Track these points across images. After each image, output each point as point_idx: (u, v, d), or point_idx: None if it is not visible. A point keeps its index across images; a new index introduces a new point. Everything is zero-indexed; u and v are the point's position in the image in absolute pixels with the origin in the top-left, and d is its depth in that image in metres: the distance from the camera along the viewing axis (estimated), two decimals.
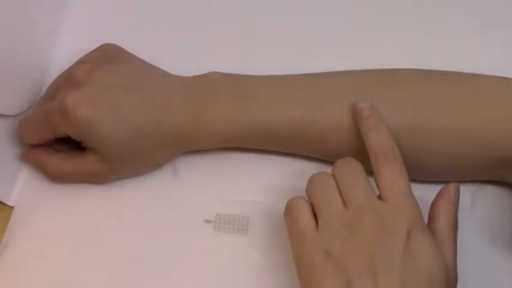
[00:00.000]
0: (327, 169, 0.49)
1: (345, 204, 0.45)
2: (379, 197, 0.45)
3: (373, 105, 0.49)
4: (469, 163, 0.51)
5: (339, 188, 0.46)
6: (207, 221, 0.54)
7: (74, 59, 0.55)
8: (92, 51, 0.55)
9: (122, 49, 0.55)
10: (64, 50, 0.61)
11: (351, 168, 0.47)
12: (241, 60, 0.58)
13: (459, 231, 0.51)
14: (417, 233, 0.43)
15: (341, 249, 0.43)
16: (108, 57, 0.54)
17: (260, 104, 0.51)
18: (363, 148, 0.49)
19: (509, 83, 0.51)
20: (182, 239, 0.53)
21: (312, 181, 0.48)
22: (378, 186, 0.46)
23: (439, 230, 0.46)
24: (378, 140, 0.48)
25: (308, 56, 0.60)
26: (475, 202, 0.54)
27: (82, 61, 0.54)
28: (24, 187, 0.55)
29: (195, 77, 0.54)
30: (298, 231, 0.46)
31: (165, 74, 0.55)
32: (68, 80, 0.52)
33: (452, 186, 0.47)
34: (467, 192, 0.54)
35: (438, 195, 0.48)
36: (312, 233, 0.45)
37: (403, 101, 0.50)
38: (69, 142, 0.53)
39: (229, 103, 0.52)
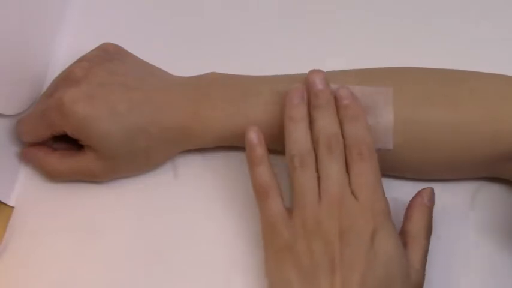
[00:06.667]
0: None
1: (319, 195, 0.46)
2: (351, 189, 0.47)
3: (352, 92, 0.49)
4: (468, 160, 0.51)
5: (317, 173, 0.47)
6: (207, 221, 0.54)
7: (74, 59, 0.55)
8: (91, 50, 0.55)
9: (122, 48, 0.55)
10: (64, 50, 0.61)
11: (330, 150, 0.47)
12: (241, 60, 0.58)
13: (459, 231, 0.52)
14: (382, 234, 0.45)
15: (306, 247, 0.45)
16: (107, 56, 0.54)
17: (259, 103, 0.52)
18: None
19: (507, 80, 0.52)
20: (182, 239, 0.53)
21: (295, 165, 0.47)
22: (350, 181, 0.47)
23: (410, 231, 0.48)
24: (353, 133, 0.48)
25: (307, 55, 0.60)
26: (475, 202, 0.54)
27: (81, 59, 0.54)
28: (24, 187, 0.55)
29: (195, 77, 0.54)
30: (271, 218, 0.47)
31: (165, 74, 0.55)
32: (66, 78, 0.52)
33: (427, 191, 0.49)
34: (467, 192, 0.54)
35: (414, 198, 0.49)
36: (283, 223, 0.47)
37: (401, 98, 0.50)
38: (68, 141, 0.53)
39: (228, 102, 0.52)
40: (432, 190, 0.49)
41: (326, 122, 0.48)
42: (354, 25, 0.62)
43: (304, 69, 0.53)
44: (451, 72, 0.53)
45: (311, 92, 0.49)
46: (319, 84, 0.49)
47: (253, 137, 0.49)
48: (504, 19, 0.62)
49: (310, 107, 0.49)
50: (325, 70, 0.53)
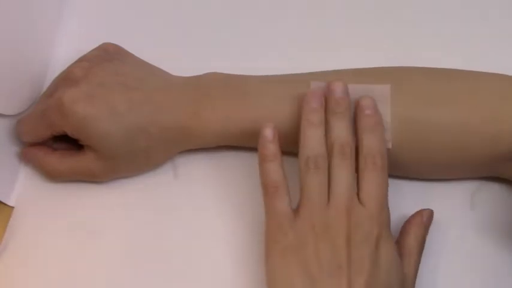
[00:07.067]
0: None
1: (328, 198, 0.47)
2: (358, 196, 0.47)
3: (375, 103, 0.50)
4: (468, 160, 0.51)
5: (328, 176, 0.48)
6: (207, 221, 0.54)
7: (74, 59, 0.55)
8: (91, 50, 0.55)
9: (122, 48, 0.55)
10: (64, 50, 0.61)
11: (344, 156, 0.48)
12: (241, 60, 0.58)
13: (459, 231, 0.53)
14: (385, 242, 0.47)
15: (314, 249, 0.45)
16: (107, 56, 0.54)
17: (259, 102, 0.52)
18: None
19: (507, 80, 0.52)
20: (182, 239, 0.53)
21: (310, 166, 0.48)
22: (359, 187, 0.48)
23: (406, 245, 0.49)
24: (370, 143, 0.48)
25: (307, 55, 0.59)
26: (475, 202, 0.54)
27: (81, 59, 0.54)
28: (24, 187, 0.55)
29: (195, 77, 0.54)
30: (277, 217, 0.47)
31: (165, 74, 0.55)
32: (66, 78, 0.52)
33: (426, 211, 0.50)
34: (467, 192, 0.54)
35: (414, 216, 0.50)
36: (289, 224, 0.47)
37: (401, 97, 0.50)
38: (68, 141, 0.53)
39: (228, 102, 0.52)
40: (432, 212, 0.51)
41: (342, 130, 0.49)
42: (353, 25, 0.62)
43: (304, 69, 0.54)
44: (450, 72, 0.53)
45: (332, 97, 0.50)
46: (341, 91, 0.50)
47: (269, 133, 0.49)
48: (504, 19, 0.62)
49: (327, 111, 0.49)
50: (324, 69, 0.54)
